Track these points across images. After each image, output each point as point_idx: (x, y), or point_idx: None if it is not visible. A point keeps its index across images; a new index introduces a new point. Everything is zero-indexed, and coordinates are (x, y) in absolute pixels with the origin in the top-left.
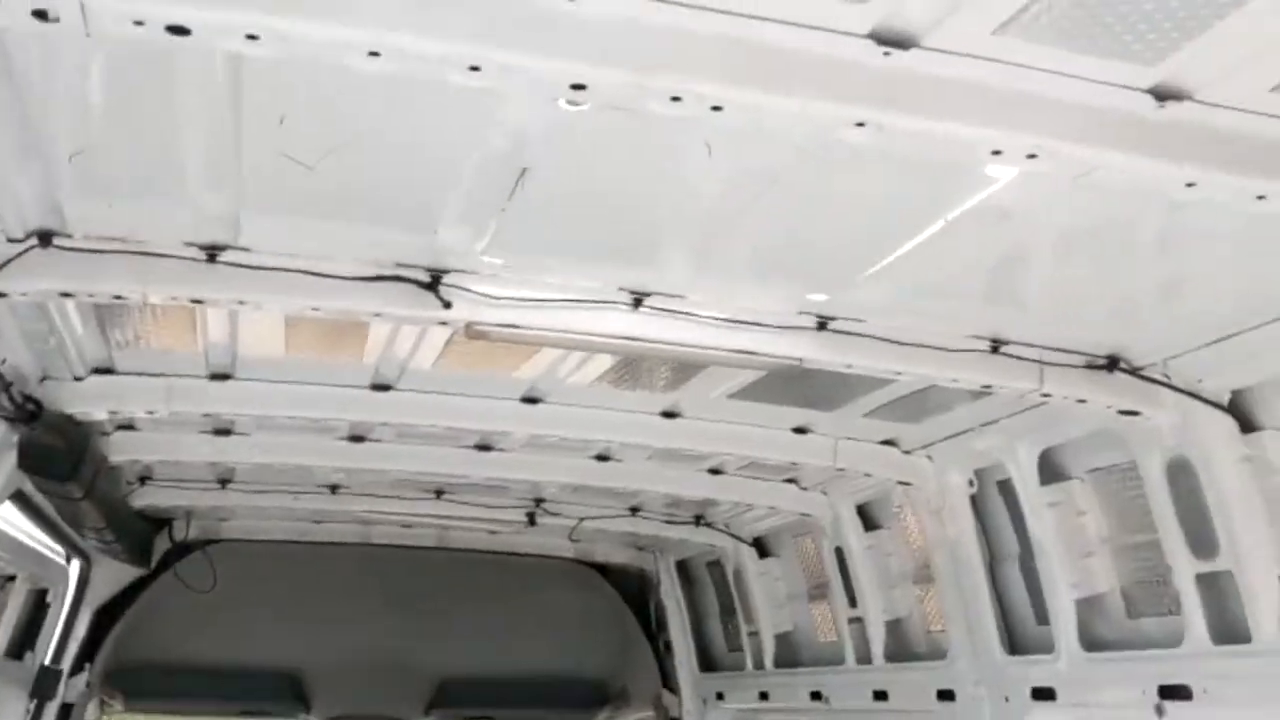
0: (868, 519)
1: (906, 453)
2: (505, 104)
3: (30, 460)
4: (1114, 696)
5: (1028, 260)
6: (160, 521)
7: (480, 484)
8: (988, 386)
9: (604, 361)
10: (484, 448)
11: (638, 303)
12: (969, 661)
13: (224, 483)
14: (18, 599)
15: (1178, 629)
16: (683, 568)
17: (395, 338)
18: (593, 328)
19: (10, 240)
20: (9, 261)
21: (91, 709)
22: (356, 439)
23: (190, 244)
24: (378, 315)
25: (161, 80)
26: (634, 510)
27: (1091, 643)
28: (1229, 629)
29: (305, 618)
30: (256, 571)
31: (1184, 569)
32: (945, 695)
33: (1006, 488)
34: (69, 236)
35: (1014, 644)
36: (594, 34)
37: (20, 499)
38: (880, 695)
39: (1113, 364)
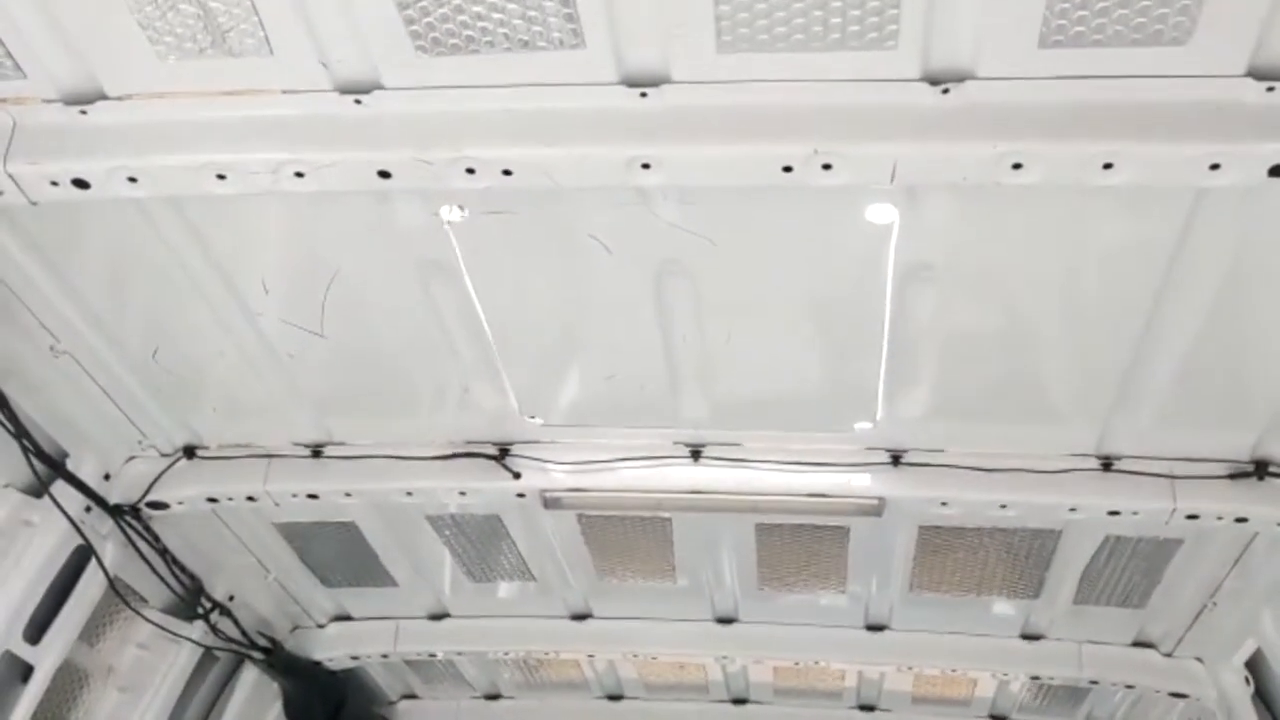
0: None
1: (1168, 655)
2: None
3: (293, 708)
4: None
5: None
6: None
7: None
8: (1115, 511)
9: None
10: (739, 701)
11: (696, 455)
12: None
13: None
14: None
15: None
16: None
17: None
18: (658, 484)
19: (162, 455)
20: (163, 473)
21: None
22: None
23: (298, 444)
24: (462, 494)
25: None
26: None
27: None
28: None
29: None
30: None
31: None
32: None
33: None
34: (207, 448)
35: None
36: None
37: None
38: None
39: (1261, 469)
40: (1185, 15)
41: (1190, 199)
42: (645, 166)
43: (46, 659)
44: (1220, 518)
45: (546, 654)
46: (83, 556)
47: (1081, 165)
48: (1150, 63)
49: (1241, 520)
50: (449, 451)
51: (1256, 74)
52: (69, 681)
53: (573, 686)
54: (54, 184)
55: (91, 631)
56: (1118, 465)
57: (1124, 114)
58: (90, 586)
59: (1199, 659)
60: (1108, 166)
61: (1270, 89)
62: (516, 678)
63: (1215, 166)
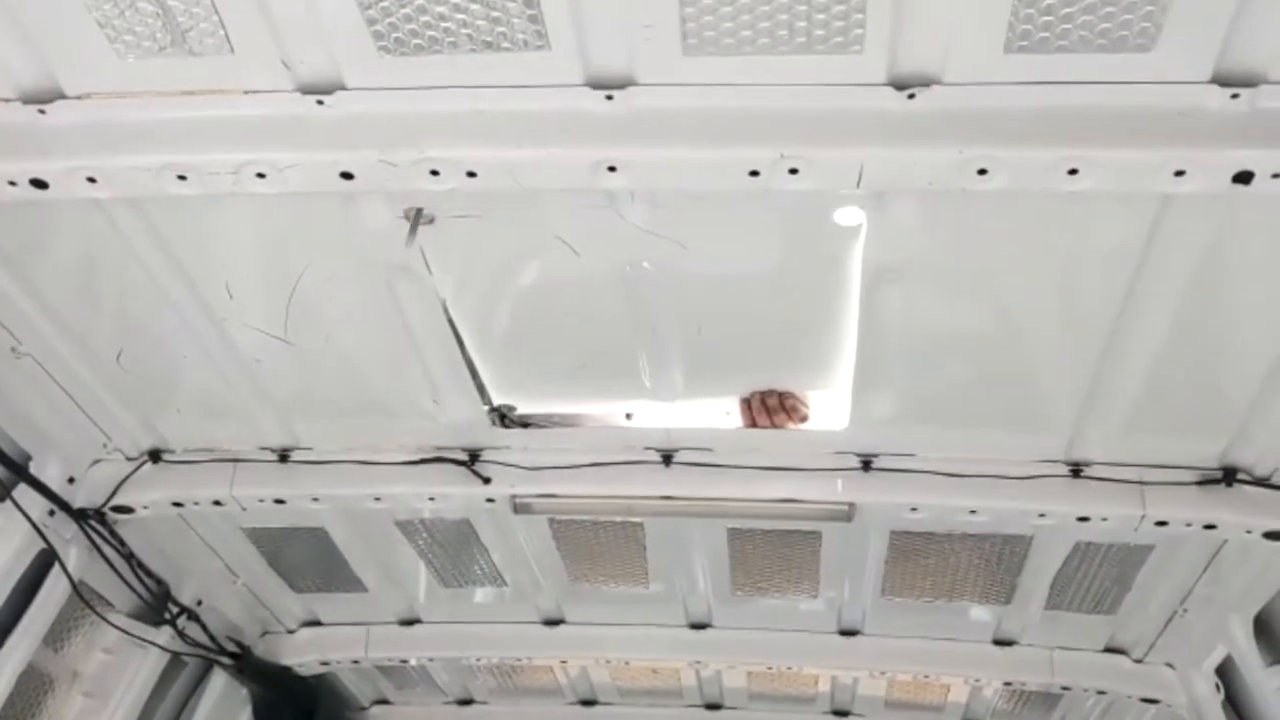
0: None
1: (1139, 661)
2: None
3: (263, 714)
4: None
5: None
6: None
7: None
8: (1084, 517)
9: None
10: (713, 706)
11: (667, 460)
12: None
13: None
14: None
15: None
16: None
17: None
18: (629, 489)
19: (128, 459)
20: (128, 477)
21: None
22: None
23: (265, 448)
24: (431, 499)
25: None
26: None
27: None
28: None
29: None
30: None
31: None
32: None
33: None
34: (172, 451)
35: None
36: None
37: None
38: None
39: (1229, 476)
40: (1150, 21)
41: (1156, 205)
42: (611, 169)
43: (9, 664)
44: (1189, 524)
45: (519, 660)
46: (46, 561)
47: (1047, 171)
48: (1115, 68)
49: (1210, 527)
50: (418, 457)
51: (1221, 81)
52: (33, 687)
53: (546, 692)
54: (12, 184)
55: (56, 636)
56: (1087, 472)
57: (1089, 120)
58: (54, 591)
59: (1170, 665)
60: (1073, 172)
61: (1234, 96)
62: (490, 683)
63: (1180, 173)
